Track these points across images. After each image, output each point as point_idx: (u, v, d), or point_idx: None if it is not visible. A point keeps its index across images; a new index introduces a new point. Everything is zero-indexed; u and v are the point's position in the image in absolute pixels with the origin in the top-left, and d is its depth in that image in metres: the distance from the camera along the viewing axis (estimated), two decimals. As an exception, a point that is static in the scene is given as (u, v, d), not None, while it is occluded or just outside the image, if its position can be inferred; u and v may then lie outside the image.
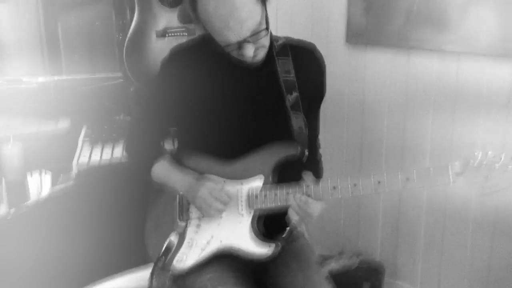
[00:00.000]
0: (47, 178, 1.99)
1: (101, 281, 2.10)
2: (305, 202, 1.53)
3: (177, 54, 1.69)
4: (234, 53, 1.55)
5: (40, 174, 2.04)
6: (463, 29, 2.20)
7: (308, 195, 1.53)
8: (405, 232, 2.60)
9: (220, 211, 1.59)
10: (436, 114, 2.38)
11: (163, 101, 1.69)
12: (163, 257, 1.62)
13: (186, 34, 2.39)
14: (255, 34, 1.51)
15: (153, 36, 2.36)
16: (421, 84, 2.40)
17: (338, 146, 2.66)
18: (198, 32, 2.41)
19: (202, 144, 1.68)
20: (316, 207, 1.54)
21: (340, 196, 1.51)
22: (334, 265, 2.57)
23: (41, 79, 2.51)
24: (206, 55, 1.64)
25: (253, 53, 1.53)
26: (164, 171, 1.68)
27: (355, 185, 1.48)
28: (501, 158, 1.39)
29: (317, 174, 1.74)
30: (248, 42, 1.51)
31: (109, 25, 2.97)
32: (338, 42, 2.58)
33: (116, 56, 2.89)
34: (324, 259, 2.53)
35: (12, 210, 1.78)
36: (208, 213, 1.60)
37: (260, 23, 1.51)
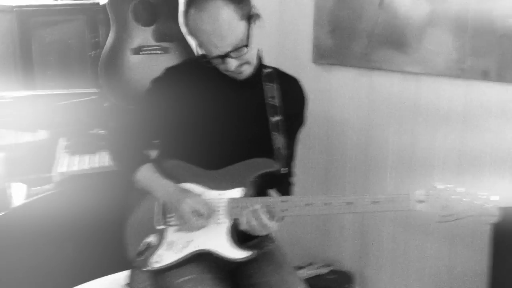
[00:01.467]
0: (24, 187, 2.02)
1: (81, 286, 2.14)
2: (261, 220, 1.61)
3: (170, 72, 1.82)
4: (221, 67, 1.67)
5: (14, 184, 2.06)
6: (421, 51, 2.31)
7: (285, 210, 1.62)
8: (371, 242, 2.68)
9: (199, 227, 1.67)
10: (398, 129, 2.48)
11: (150, 114, 1.79)
12: (141, 256, 1.68)
13: (161, 52, 2.47)
14: (237, 50, 1.63)
15: (128, 53, 2.43)
16: (383, 102, 2.50)
17: (304, 161, 2.74)
18: (172, 51, 2.51)
19: (184, 153, 1.77)
20: (269, 224, 1.62)
21: (312, 213, 1.61)
22: (304, 275, 2.63)
23: (15, 93, 2.54)
24: (196, 73, 1.77)
25: (235, 68, 1.66)
26: (146, 178, 1.75)
27: (325, 204, 1.60)
28: (457, 191, 1.53)
29: (288, 192, 1.87)
30: (231, 57, 1.63)
31: (82, 43, 3.02)
32: (305, 62, 2.68)
33: (89, 72, 2.94)
34: (295, 269, 2.59)
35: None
36: (187, 229, 1.68)
37: (242, 40, 1.63)
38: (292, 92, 1.86)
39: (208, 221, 1.67)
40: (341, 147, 2.67)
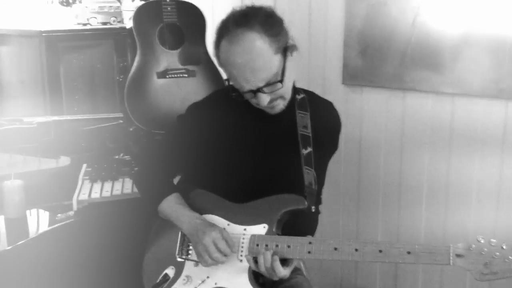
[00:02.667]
0: (45, 216, 1.99)
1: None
2: (272, 267, 1.52)
3: (193, 109, 1.76)
4: (252, 102, 1.60)
5: (38, 211, 2.04)
6: (456, 71, 2.25)
7: (309, 252, 1.52)
8: (404, 270, 2.58)
9: (218, 262, 1.58)
10: (432, 152, 2.40)
11: (177, 148, 1.74)
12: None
13: (187, 75, 2.44)
14: (270, 85, 1.55)
15: (154, 76, 2.40)
16: (416, 124, 2.43)
17: (335, 185, 2.68)
18: (198, 74, 2.48)
19: (210, 184, 1.70)
20: (281, 272, 1.53)
21: (339, 259, 1.51)
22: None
23: (41, 119, 2.54)
24: (223, 107, 1.70)
25: (267, 103, 1.57)
26: (171, 208, 1.68)
27: (356, 250, 1.48)
28: (502, 248, 1.40)
29: (313, 226, 1.77)
30: (264, 92, 1.55)
31: (110, 67, 3.02)
32: (335, 83, 2.63)
33: (116, 97, 2.93)
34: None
35: (9, 247, 1.79)
36: (206, 263, 1.59)
37: (276, 75, 1.54)
38: (326, 118, 1.78)
39: (228, 257, 1.58)
40: (373, 172, 2.60)
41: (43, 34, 2.83)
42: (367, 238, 2.64)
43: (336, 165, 2.66)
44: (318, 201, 1.78)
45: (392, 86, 2.45)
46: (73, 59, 2.90)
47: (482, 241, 1.42)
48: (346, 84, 2.60)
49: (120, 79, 2.85)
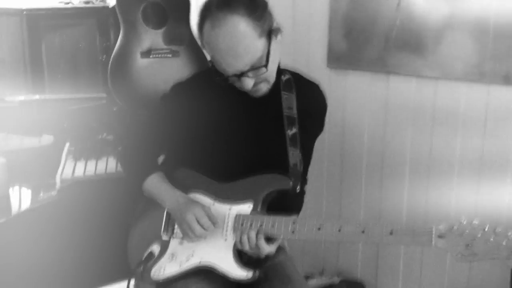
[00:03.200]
0: (27, 194, 1.98)
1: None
2: (257, 245, 1.54)
3: (177, 89, 1.75)
4: (236, 85, 1.59)
5: (20, 190, 2.02)
6: (439, 55, 2.25)
7: (293, 232, 1.53)
8: (385, 251, 2.62)
9: (201, 238, 1.59)
10: (414, 134, 2.42)
11: (162, 127, 1.74)
12: (142, 265, 1.62)
13: (170, 55, 2.42)
14: (255, 69, 1.53)
15: (138, 56, 2.38)
16: (399, 108, 2.44)
17: (318, 167, 2.69)
18: (182, 54, 2.46)
19: (195, 163, 1.70)
20: (266, 249, 1.55)
21: (322, 239, 1.52)
22: (314, 285, 2.57)
23: (23, 98, 2.51)
24: (207, 88, 1.68)
25: (251, 87, 1.57)
26: (155, 186, 1.69)
27: (339, 230, 1.49)
28: (484, 229, 1.39)
29: (298, 206, 1.78)
30: (248, 76, 1.54)
31: (93, 47, 2.98)
32: (320, 66, 2.63)
33: (99, 77, 2.90)
34: (305, 278, 2.54)
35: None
36: (189, 238, 1.60)
37: (260, 59, 1.53)
38: (312, 99, 1.77)
39: (211, 232, 1.59)
40: (356, 153, 2.62)
41: (24, 12, 2.78)
42: (350, 218, 2.67)
43: (319, 146, 2.67)
44: (303, 181, 1.79)
45: (376, 70, 2.45)
46: (55, 38, 2.86)
47: (464, 222, 1.42)
48: (330, 67, 2.60)
49: (103, 59, 2.83)
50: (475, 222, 1.41)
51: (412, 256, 2.54)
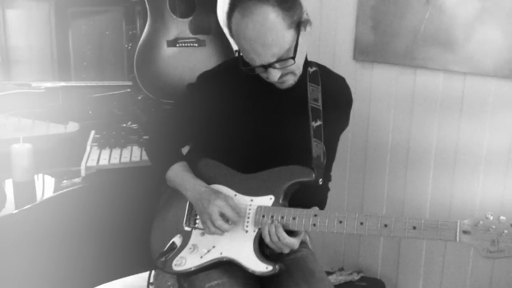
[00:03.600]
0: (51, 181, 1.99)
1: (106, 283, 2.11)
2: (279, 238, 1.52)
3: (203, 78, 1.75)
4: (263, 75, 1.58)
5: (44, 177, 2.03)
6: (469, 50, 2.22)
7: (314, 224, 1.51)
8: (406, 249, 2.60)
9: (223, 231, 1.58)
10: (441, 129, 2.39)
11: (187, 117, 1.74)
12: (164, 257, 1.62)
13: (197, 45, 2.41)
14: (282, 61, 1.52)
15: (164, 45, 2.38)
16: (426, 102, 2.41)
17: (343, 159, 2.67)
18: (208, 44, 2.45)
19: (219, 154, 1.69)
20: (285, 239, 1.52)
21: (344, 232, 1.50)
22: (334, 281, 2.56)
23: (49, 84, 2.52)
24: (233, 78, 1.67)
25: (278, 78, 1.55)
26: (177, 175, 1.69)
27: (361, 223, 1.47)
28: (510, 224, 1.36)
29: (322, 202, 1.76)
30: (274, 67, 1.52)
31: (119, 35, 2.98)
32: (345, 59, 2.61)
33: (125, 65, 2.91)
34: (327, 276, 2.53)
35: (16, 211, 1.79)
36: (210, 231, 1.59)
37: (288, 50, 1.51)
38: (337, 93, 1.76)
39: (233, 227, 1.58)
40: (380, 147, 2.59)
41: (53, -1, 2.79)
42: (372, 211, 2.65)
43: (344, 140, 2.65)
44: (326, 176, 1.77)
45: (403, 63, 2.42)
46: (82, 25, 2.86)
47: (490, 218, 1.39)
48: (356, 60, 2.58)
49: (129, 47, 2.83)
50: (502, 217, 1.38)
51: (433, 254, 2.51)
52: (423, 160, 2.46)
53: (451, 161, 2.38)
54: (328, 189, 1.81)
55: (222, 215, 1.56)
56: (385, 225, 1.45)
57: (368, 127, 2.61)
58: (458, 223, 1.40)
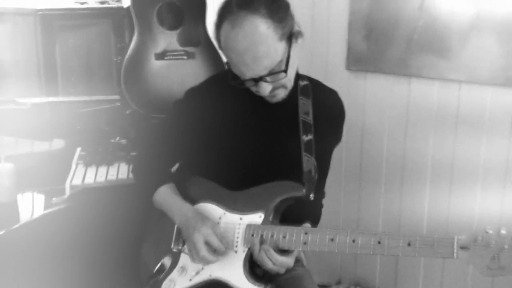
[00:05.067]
0: (39, 200, 1.94)
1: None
2: (272, 261, 1.47)
3: (190, 95, 1.70)
4: (253, 89, 1.53)
5: (32, 195, 1.99)
6: (464, 57, 2.20)
7: (305, 243, 1.46)
8: (404, 261, 2.56)
9: (208, 262, 1.52)
10: (436, 140, 2.36)
11: (174, 135, 1.69)
12: (153, 279, 1.57)
13: (186, 57, 2.37)
14: (273, 74, 1.47)
15: (152, 58, 2.34)
16: (421, 111, 2.38)
17: (336, 171, 2.63)
18: (197, 56, 2.41)
19: (207, 171, 1.64)
20: (284, 262, 1.48)
21: (336, 250, 1.45)
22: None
23: (35, 100, 2.48)
24: (221, 92, 1.63)
25: (269, 92, 1.51)
26: (164, 198, 1.64)
27: (353, 241, 1.42)
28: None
29: (315, 219, 1.72)
30: (265, 81, 1.48)
31: (107, 48, 2.95)
32: (338, 68, 2.58)
33: (114, 79, 2.87)
34: (322, 288, 2.49)
35: (1, 232, 1.74)
36: (194, 260, 1.54)
37: (279, 63, 1.47)
38: (329, 107, 1.71)
39: (218, 258, 1.53)
40: (375, 158, 2.57)
41: (39, 13, 2.76)
42: (368, 227, 2.61)
43: (338, 152, 2.61)
44: (320, 192, 1.73)
45: (397, 72, 2.39)
46: (69, 38, 2.82)
47: (490, 232, 1.31)
48: (349, 70, 2.55)
49: (118, 61, 2.79)
50: (503, 231, 1.30)
51: (432, 266, 2.48)
52: (419, 171, 2.43)
53: (447, 172, 2.35)
54: (321, 206, 1.76)
55: (207, 244, 1.51)
56: (379, 242, 1.39)
57: (362, 138, 2.58)
58: (456, 239, 1.32)
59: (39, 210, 1.91)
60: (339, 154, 2.55)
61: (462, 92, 2.26)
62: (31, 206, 1.91)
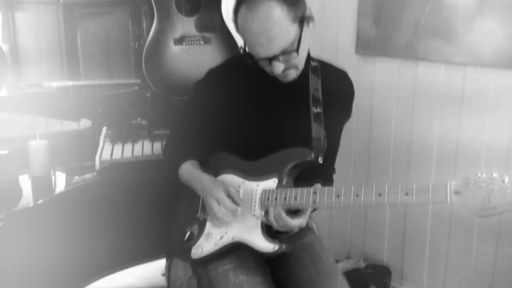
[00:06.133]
0: (63, 177, 2.05)
1: (120, 272, 2.19)
2: (280, 218, 1.58)
3: (211, 75, 1.83)
4: (266, 69, 1.65)
5: (55, 173, 2.10)
6: (469, 41, 2.27)
7: (314, 201, 1.57)
8: (411, 236, 2.65)
9: (225, 221, 1.66)
10: (442, 121, 2.43)
11: (199, 113, 1.82)
12: (184, 245, 1.70)
13: (202, 42, 2.48)
14: (286, 54, 1.59)
15: (171, 43, 2.44)
16: (428, 94, 2.46)
17: (346, 152, 2.73)
18: (213, 41, 2.52)
19: (227, 145, 1.78)
20: (295, 225, 1.59)
21: (341, 206, 1.54)
22: (341, 269, 2.61)
23: (59, 83, 2.59)
24: (239, 73, 1.75)
25: (281, 71, 1.62)
26: (188, 173, 1.78)
27: (357, 195, 1.51)
28: (503, 181, 1.32)
29: (328, 185, 1.81)
30: (278, 60, 1.59)
31: (126, 34, 3.05)
32: (348, 53, 2.66)
33: (132, 64, 2.97)
34: (335, 261, 2.59)
35: (35, 204, 1.86)
36: (214, 223, 1.69)
37: (292, 44, 1.59)
38: (338, 86, 1.83)
39: (243, 206, 1.66)
40: (384, 139, 2.64)
41: (61, 1, 2.86)
42: (376, 208, 2.70)
43: (347, 133, 2.70)
44: (330, 169, 1.85)
45: (404, 56, 2.47)
46: (90, 26, 2.92)
47: (482, 175, 1.34)
48: (359, 54, 2.63)
49: (136, 47, 2.90)
50: (494, 174, 1.33)
51: (438, 241, 2.56)
52: (426, 151, 2.50)
53: (453, 152, 2.42)
54: (332, 181, 1.87)
55: (221, 205, 1.65)
56: (379, 195, 1.49)
57: (371, 120, 2.66)
58: (449, 184, 1.37)
59: (61, 187, 2.01)
60: (348, 135, 2.65)
61: (467, 75, 2.33)
62: (61, 180, 2.02)
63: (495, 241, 2.38)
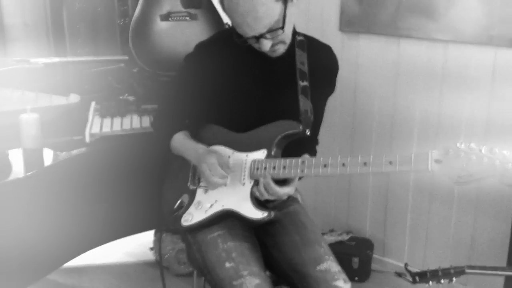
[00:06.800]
0: (50, 153, 2.08)
1: (109, 242, 2.23)
2: (269, 187, 1.63)
3: (201, 48, 1.86)
4: (255, 46, 1.69)
5: (49, 146, 2.12)
6: (449, 18, 2.31)
7: (303, 170, 1.62)
8: (393, 210, 2.72)
9: (217, 185, 1.71)
10: (424, 96, 2.49)
11: (184, 88, 1.85)
12: (175, 214, 1.75)
13: (189, 18, 2.49)
14: (272, 31, 1.63)
15: (157, 19, 2.46)
16: (410, 70, 2.50)
17: (330, 128, 2.78)
18: (199, 17, 2.53)
19: (217, 117, 1.83)
20: (279, 192, 1.64)
21: (329, 173, 1.60)
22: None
23: (46, 60, 2.60)
24: (227, 47, 1.78)
25: (269, 48, 1.67)
26: (180, 143, 1.83)
27: (343, 164, 1.57)
28: (481, 151, 1.39)
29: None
30: (266, 38, 1.64)
31: (111, 11, 3.05)
32: (332, 30, 2.70)
33: (117, 40, 2.98)
34: (319, 229, 2.65)
35: (26, 175, 1.89)
36: (208, 185, 1.74)
37: (277, 21, 1.63)
38: (323, 60, 1.87)
39: (227, 179, 1.71)
40: (367, 114, 2.70)
41: (46, -22, 2.86)
42: (360, 179, 2.77)
43: (331, 107, 2.74)
44: (314, 139, 1.90)
45: (387, 33, 2.52)
46: (76, 2, 2.93)
47: (461, 145, 1.42)
48: (343, 31, 2.67)
49: (121, 23, 2.91)
50: (473, 145, 1.41)
51: (418, 214, 2.63)
52: (408, 125, 2.57)
53: (434, 126, 2.48)
54: (316, 151, 1.93)
55: (213, 171, 1.70)
56: (364, 163, 1.55)
57: (355, 95, 2.71)
58: (430, 153, 1.44)
59: (49, 159, 2.04)
60: (332, 110, 2.68)
61: (448, 51, 2.38)
62: (51, 152, 2.05)
63: (473, 214, 2.46)
